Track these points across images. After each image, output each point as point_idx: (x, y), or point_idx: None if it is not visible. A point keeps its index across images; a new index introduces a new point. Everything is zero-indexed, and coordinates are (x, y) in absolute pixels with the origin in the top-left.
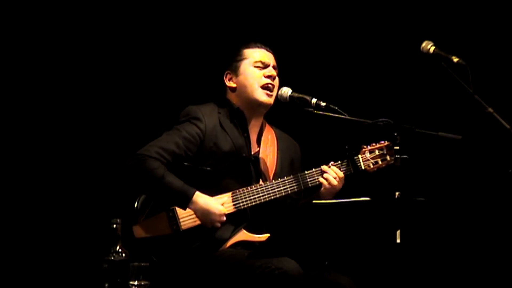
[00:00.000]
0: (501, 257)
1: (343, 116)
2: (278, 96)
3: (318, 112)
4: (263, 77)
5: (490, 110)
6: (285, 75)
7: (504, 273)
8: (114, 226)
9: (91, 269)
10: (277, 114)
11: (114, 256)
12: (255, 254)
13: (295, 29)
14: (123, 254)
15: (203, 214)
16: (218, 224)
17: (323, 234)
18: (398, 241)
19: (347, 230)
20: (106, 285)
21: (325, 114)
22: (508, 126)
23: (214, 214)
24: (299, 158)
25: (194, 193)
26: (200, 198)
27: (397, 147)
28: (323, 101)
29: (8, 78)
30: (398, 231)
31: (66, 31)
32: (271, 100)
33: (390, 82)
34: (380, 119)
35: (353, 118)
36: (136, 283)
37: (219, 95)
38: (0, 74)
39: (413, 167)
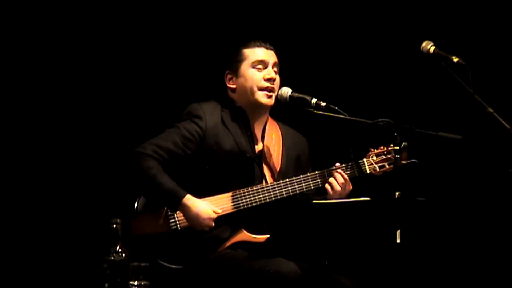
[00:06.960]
0: (501, 257)
1: (343, 116)
2: (278, 96)
3: (318, 112)
4: (263, 80)
5: (490, 110)
6: (285, 75)
7: (504, 273)
8: (114, 226)
9: (91, 269)
10: (283, 112)
11: (114, 256)
12: (253, 255)
13: (295, 29)
14: (123, 254)
15: (191, 218)
16: (207, 228)
17: (323, 234)
18: (398, 241)
19: (347, 230)
20: (106, 285)
21: (325, 114)
22: (508, 126)
23: (203, 218)
24: (307, 153)
25: (184, 196)
26: (190, 202)
27: (397, 147)
28: (323, 101)
29: (7, 78)
30: (398, 231)
31: (67, 30)
32: (271, 101)
33: (390, 82)
34: (380, 119)
35: (353, 118)
36: (136, 283)
37: (221, 92)
38: None
39: (413, 167)
